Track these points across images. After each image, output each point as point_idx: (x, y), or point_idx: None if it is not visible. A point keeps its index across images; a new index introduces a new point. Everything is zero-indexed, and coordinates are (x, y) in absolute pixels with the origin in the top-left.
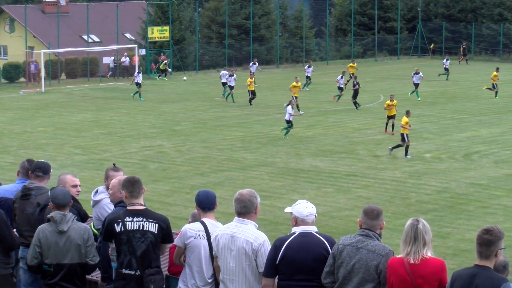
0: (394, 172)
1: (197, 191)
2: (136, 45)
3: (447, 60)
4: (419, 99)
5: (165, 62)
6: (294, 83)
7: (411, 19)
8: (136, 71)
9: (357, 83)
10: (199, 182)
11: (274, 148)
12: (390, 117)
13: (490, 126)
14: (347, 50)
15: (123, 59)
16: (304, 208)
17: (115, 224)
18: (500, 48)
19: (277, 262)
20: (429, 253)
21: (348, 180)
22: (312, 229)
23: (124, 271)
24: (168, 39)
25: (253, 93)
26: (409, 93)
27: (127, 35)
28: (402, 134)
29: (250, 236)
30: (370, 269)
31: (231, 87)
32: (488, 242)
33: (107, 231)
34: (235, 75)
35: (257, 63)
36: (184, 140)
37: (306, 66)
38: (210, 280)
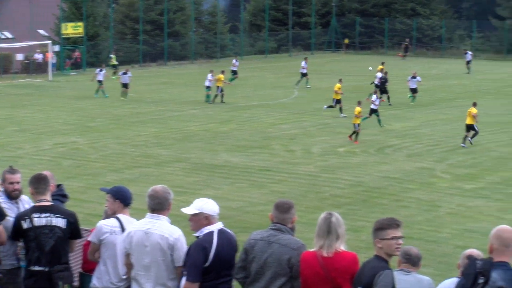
0: (309, 167)
1: (112, 188)
2: (50, 42)
3: (466, 53)
4: (413, 103)
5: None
6: (338, 84)
7: (325, 14)
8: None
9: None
10: (113, 178)
11: (188, 144)
12: (338, 101)
13: (404, 120)
14: (262, 46)
15: (36, 55)
16: (214, 205)
17: (23, 221)
18: (413, 42)
19: (208, 264)
20: (342, 247)
21: (262, 175)
22: (220, 224)
23: (33, 268)
24: (82, 35)
25: (220, 89)
26: (409, 97)
27: (41, 31)
28: (354, 124)
29: (165, 231)
30: (282, 263)
31: (100, 82)
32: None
33: (14, 229)
34: (105, 70)
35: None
36: (98, 137)
37: (303, 62)
38: (124, 277)
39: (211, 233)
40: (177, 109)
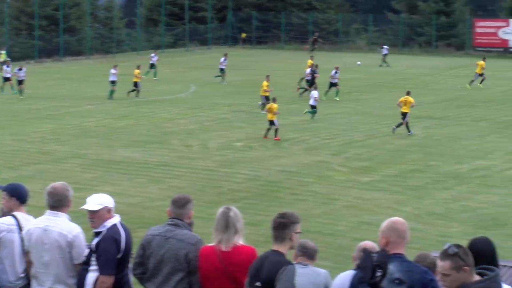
0: (206, 162)
1: (7, 185)
2: None
3: (382, 48)
4: (337, 98)
5: (1, 52)
6: (265, 82)
7: (221, 8)
8: (6, 65)
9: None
10: (10, 175)
11: (85, 139)
12: (267, 98)
13: (301, 114)
14: (158, 41)
15: None
16: (110, 198)
17: None
18: (309, 36)
19: (120, 255)
20: (240, 241)
21: (160, 170)
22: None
23: None
24: None
25: (136, 84)
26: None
27: None
28: (270, 120)
29: (64, 228)
30: (180, 258)
31: (6, 79)
32: (282, 225)
33: None
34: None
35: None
36: None
37: (223, 59)
38: (22, 275)
39: (115, 225)
40: (73, 105)
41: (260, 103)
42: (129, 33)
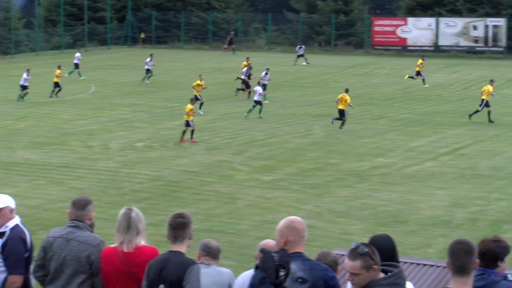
0: (107, 162)
1: None
2: None
3: (300, 47)
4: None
5: None
6: (198, 81)
7: (121, 8)
8: None
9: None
10: None
11: None
12: (197, 97)
13: (203, 114)
14: (57, 41)
15: None
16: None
17: None
18: (209, 36)
19: (27, 254)
20: (142, 242)
21: (61, 171)
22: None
23: None
24: None
25: (57, 85)
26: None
27: None
28: (186, 121)
29: None
30: (81, 260)
31: None
32: (182, 224)
33: None
34: None
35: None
36: None
37: (148, 59)
38: None
39: (17, 225)
40: None
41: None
42: (28, 34)
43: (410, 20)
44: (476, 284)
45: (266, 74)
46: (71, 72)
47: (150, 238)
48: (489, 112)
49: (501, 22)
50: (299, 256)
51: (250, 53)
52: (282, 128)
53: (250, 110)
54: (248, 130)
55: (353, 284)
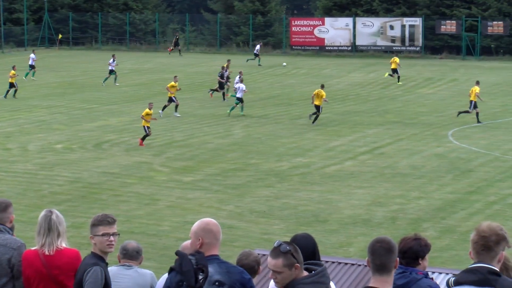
0: (26, 165)
1: None
2: None
3: (258, 47)
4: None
5: None
6: (172, 83)
7: (37, 10)
8: None
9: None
10: None
11: None
12: (171, 99)
13: (120, 115)
14: None
15: None
16: None
17: None
18: (127, 37)
19: None
20: (63, 244)
21: None
22: None
23: None
24: None
25: (12, 85)
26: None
27: None
28: (144, 127)
29: None
30: (2, 263)
31: None
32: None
33: None
34: None
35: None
36: None
37: (111, 60)
38: None
39: None
40: None
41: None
42: None
43: (327, 20)
44: (397, 282)
45: (239, 77)
46: (27, 73)
47: (71, 240)
48: (477, 114)
49: (417, 21)
50: (215, 258)
51: (168, 54)
52: (202, 129)
53: (232, 108)
54: (168, 131)
55: (275, 282)
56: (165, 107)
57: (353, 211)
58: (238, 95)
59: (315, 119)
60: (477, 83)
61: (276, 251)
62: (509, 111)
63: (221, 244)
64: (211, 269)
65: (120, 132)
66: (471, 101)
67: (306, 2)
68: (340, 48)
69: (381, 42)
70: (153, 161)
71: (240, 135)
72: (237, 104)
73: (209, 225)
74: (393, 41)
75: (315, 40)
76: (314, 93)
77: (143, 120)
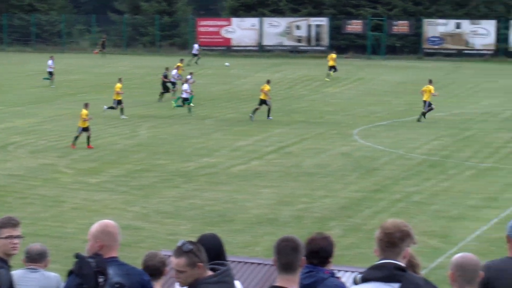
0: None
1: None
2: None
3: (197, 46)
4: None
5: None
6: (119, 84)
7: None
8: None
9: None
10: None
11: None
12: (119, 102)
13: (27, 117)
14: None
15: None
16: None
17: None
18: (33, 38)
19: None
20: None
21: None
22: None
23: None
24: None
25: None
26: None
27: None
28: (82, 127)
29: None
30: None
31: None
32: None
33: None
34: None
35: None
36: None
37: (50, 61)
38: None
39: None
40: None
41: (105, 107)
42: None
43: (234, 20)
44: (304, 281)
45: (190, 78)
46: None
47: None
48: (430, 110)
49: (323, 21)
50: (114, 261)
51: (74, 54)
52: (108, 130)
53: (189, 108)
54: (73, 133)
55: (179, 282)
56: (112, 108)
57: (259, 210)
58: (183, 95)
59: (254, 111)
60: (430, 82)
61: (179, 250)
62: (414, 110)
63: (127, 246)
64: (110, 271)
65: (26, 134)
66: (424, 101)
67: (212, 2)
68: (247, 48)
69: (287, 42)
70: (59, 163)
71: (146, 136)
72: (188, 104)
73: (108, 227)
74: (299, 41)
75: (222, 40)
76: (261, 88)
77: (80, 121)
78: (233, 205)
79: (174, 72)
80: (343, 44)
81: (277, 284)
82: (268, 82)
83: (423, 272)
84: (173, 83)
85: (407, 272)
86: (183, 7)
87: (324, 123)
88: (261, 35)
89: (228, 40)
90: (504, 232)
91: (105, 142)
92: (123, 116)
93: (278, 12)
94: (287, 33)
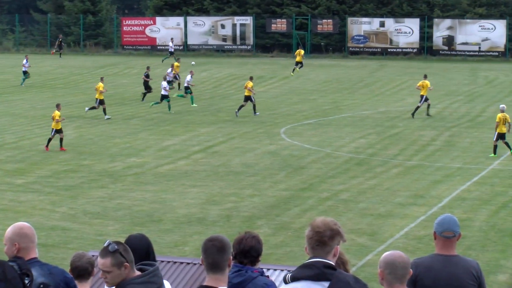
0: None
1: None
2: None
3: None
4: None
5: None
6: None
7: None
8: None
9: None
10: None
11: None
12: (101, 102)
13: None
14: None
15: None
16: None
17: None
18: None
19: None
20: None
21: None
22: None
23: None
24: None
25: None
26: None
27: None
28: (55, 128)
29: None
30: None
31: None
32: None
33: None
34: None
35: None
36: None
37: (24, 61)
38: None
39: None
40: None
41: (87, 108)
42: None
43: (159, 19)
44: (233, 280)
45: (191, 77)
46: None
47: None
48: (428, 106)
49: (248, 20)
50: (36, 262)
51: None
52: (34, 131)
53: (169, 107)
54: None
55: (106, 282)
56: (94, 108)
57: (187, 210)
58: (162, 93)
59: (240, 108)
60: (425, 77)
61: (105, 251)
62: (340, 108)
63: (55, 246)
64: (34, 272)
65: None
66: (422, 96)
67: (137, 1)
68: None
69: (212, 41)
70: None
71: (72, 136)
72: (168, 101)
73: (23, 229)
74: (224, 40)
75: (146, 39)
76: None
77: (54, 122)
78: (161, 205)
79: (169, 70)
80: (268, 43)
81: (206, 283)
82: (251, 78)
83: (352, 270)
84: (170, 82)
85: (337, 271)
86: (107, 6)
87: (251, 122)
88: (185, 34)
89: (153, 39)
90: (431, 229)
91: (31, 143)
92: (106, 117)
93: (202, 11)
94: (212, 32)
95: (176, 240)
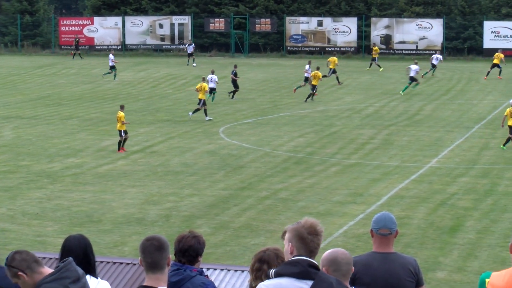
0: None
1: None
2: None
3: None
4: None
5: None
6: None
7: None
8: None
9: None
10: None
11: None
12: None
13: None
14: None
15: None
16: None
17: None
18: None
19: None
20: None
21: None
22: None
23: None
24: None
25: None
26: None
27: None
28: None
29: None
30: None
31: None
32: None
33: None
34: None
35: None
36: None
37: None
38: None
39: None
40: None
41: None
42: None
43: (96, 19)
44: (171, 279)
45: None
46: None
47: None
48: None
49: (186, 20)
50: None
51: None
52: None
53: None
54: None
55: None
56: None
57: (126, 210)
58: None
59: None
60: (318, 68)
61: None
62: (278, 107)
63: None
64: None
65: None
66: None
67: (74, 1)
68: (110, 47)
69: (150, 41)
70: None
71: (10, 137)
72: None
73: None
74: (162, 39)
75: (84, 39)
76: (197, 87)
77: (119, 124)
78: (100, 205)
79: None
80: (206, 43)
81: (146, 283)
82: (203, 79)
83: None
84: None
85: (320, 271)
86: (45, 6)
87: (189, 121)
88: (123, 34)
89: (91, 39)
90: (369, 227)
91: None
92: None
93: (140, 11)
94: (150, 32)
95: (116, 240)
